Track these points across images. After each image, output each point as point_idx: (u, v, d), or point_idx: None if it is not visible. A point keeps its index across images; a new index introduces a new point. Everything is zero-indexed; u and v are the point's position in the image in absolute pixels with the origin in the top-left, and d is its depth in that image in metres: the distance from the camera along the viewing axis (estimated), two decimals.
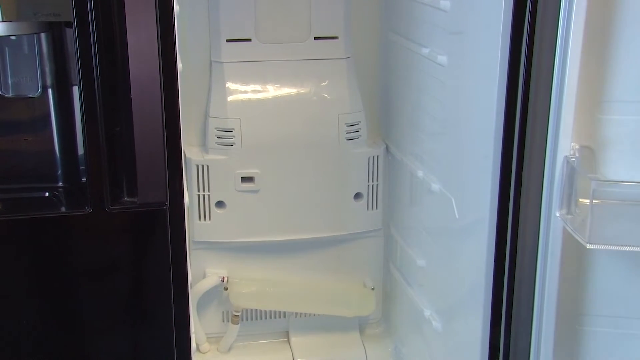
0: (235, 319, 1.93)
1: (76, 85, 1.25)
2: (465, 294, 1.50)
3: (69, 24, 1.25)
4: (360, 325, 2.05)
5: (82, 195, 1.31)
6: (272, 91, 1.83)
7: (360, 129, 1.87)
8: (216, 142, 1.82)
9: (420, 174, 1.68)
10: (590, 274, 1.28)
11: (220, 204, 1.86)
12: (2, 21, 1.23)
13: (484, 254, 1.36)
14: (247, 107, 1.82)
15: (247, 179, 1.85)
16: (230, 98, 1.81)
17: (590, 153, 1.21)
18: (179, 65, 1.31)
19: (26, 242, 1.31)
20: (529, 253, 1.30)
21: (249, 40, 1.80)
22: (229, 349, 1.98)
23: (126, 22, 1.20)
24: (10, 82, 1.35)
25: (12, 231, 1.30)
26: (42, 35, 1.33)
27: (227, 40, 1.79)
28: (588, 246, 1.16)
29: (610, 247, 1.17)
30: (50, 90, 1.38)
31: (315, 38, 1.83)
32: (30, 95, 1.37)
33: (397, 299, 1.96)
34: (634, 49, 1.17)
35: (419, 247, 1.76)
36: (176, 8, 1.27)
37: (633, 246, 1.17)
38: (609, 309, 1.28)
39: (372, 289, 1.99)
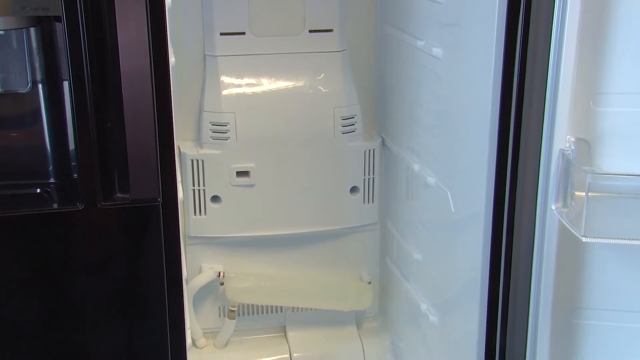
0: (231, 314, 1.93)
1: (66, 80, 1.24)
2: (461, 288, 1.50)
3: (58, 18, 1.24)
4: (357, 319, 2.05)
5: (74, 192, 1.31)
6: (267, 85, 1.82)
7: (355, 122, 1.86)
8: (211, 137, 1.81)
9: (416, 167, 1.67)
10: (586, 267, 1.27)
11: (215, 198, 1.85)
12: None
13: (480, 247, 1.35)
14: (241, 101, 1.81)
15: (242, 174, 1.84)
16: (224, 92, 1.80)
17: (585, 146, 1.20)
18: (171, 59, 1.30)
19: (18, 239, 1.30)
20: (525, 246, 1.29)
21: (243, 33, 1.79)
22: (226, 344, 1.98)
23: (116, 15, 1.19)
24: None
25: (3, 228, 1.29)
26: (31, 29, 1.31)
27: (221, 34, 1.79)
28: (584, 239, 1.15)
29: (606, 240, 1.16)
30: (40, 86, 1.36)
31: (310, 31, 1.82)
32: (20, 91, 1.36)
33: (394, 293, 1.96)
34: (629, 41, 1.16)
35: (415, 241, 1.76)
36: (167, 1, 1.26)
37: (629, 239, 1.16)
38: (605, 302, 1.28)
39: (369, 283, 1.98)
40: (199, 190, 1.84)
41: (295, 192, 1.87)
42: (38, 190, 1.39)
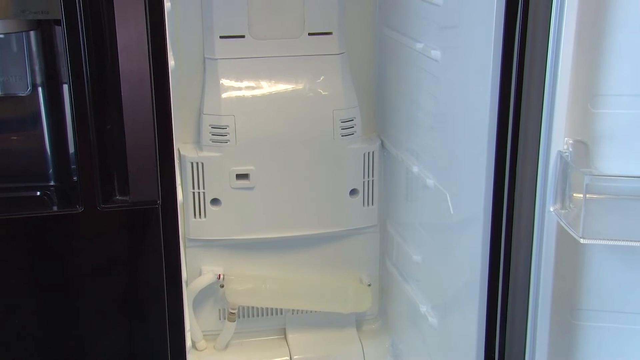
0: (231, 317, 1.93)
1: (66, 83, 1.24)
2: (460, 289, 1.50)
3: (58, 22, 1.25)
4: (357, 321, 2.05)
5: (74, 194, 1.31)
6: (267, 87, 1.83)
7: (355, 124, 1.86)
8: (210, 139, 1.81)
9: (415, 169, 1.67)
10: (585, 269, 1.27)
11: (215, 201, 1.85)
12: None
13: (479, 249, 1.35)
14: (241, 103, 1.81)
15: (242, 176, 1.84)
16: (224, 95, 1.81)
17: (583, 147, 1.21)
18: (171, 62, 1.30)
19: (18, 241, 1.30)
20: (524, 248, 1.30)
21: (243, 36, 1.80)
22: (226, 347, 1.98)
23: (115, 19, 1.19)
24: None
25: (3, 231, 1.29)
26: (31, 33, 1.32)
27: (221, 37, 1.79)
28: (582, 241, 1.15)
29: (604, 242, 1.16)
30: (40, 89, 1.37)
31: (309, 34, 1.82)
32: (20, 94, 1.37)
33: (394, 295, 1.96)
34: (626, 43, 1.16)
35: (414, 242, 1.76)
36: (167, 5, 1.26)
37: (627, 240, 1.16)
38: (604, 303, 1.28)
39: (369, 285, 1.99)
40: (198, 192, 1.84)
41: (294, 195, 1.87)
42: (38, 193, 1.39)
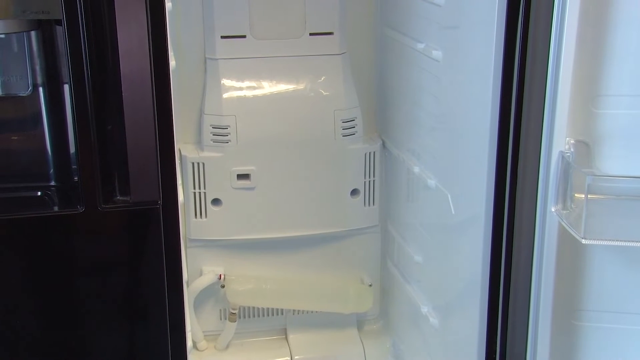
0: (232, 317, 1.93)
1: (67, 83, 1.24)
2: (462, 290, 1.50)
3: (58, 22, 1.25)
4: (358, 321, 2.05)
5: (75, 195, 1.31)
6: (268, 87, 1.83)
7: (356, 125, 1.86)
8: (212, 140, 1.81)
9: (416, 169, 1.67)
10: (586, 269, 1.27)
11: (216, 201, 1.85)
12: None
13: (480, 249, 1.35)
14: (242, 104, 1.81)
15: (243, 176, 1.84)
16: (225, 95, 1.81)
17: (585, 148, 1.21)
18: (172, 63, 1.30)
19: (19, 241, 1.30)
20: (525, 248, 1.29)
21: (244, 36, 1.80)
22: (227, 347, 1.98)
23: (116, 19, 1.19)
24: (0, 81, 1.34)
25: (4, 231, 1.29)
26: (32, 33, 1.32)
27: (222, 37, 1.79)
28: (583, 241, 1.15)
29: (605, 242, 1.16)
30: (40, 89, 1.37)
31: (311, 34, 1.82)
32: (21, 94, 1.37)
33: (395, 296, 1.96)
34: (627, 43, 1.16)
35: (415, 243, 1.76)
36: (168, 5, 1.26)
37: (628, 241, 1.16)
38: (605, 304, 1.28)
39: (370, 285, 1.98)
40: (199, 193, 1.84)
41: (295, 195, 1.87)
42: (39, 193, 1.39)
